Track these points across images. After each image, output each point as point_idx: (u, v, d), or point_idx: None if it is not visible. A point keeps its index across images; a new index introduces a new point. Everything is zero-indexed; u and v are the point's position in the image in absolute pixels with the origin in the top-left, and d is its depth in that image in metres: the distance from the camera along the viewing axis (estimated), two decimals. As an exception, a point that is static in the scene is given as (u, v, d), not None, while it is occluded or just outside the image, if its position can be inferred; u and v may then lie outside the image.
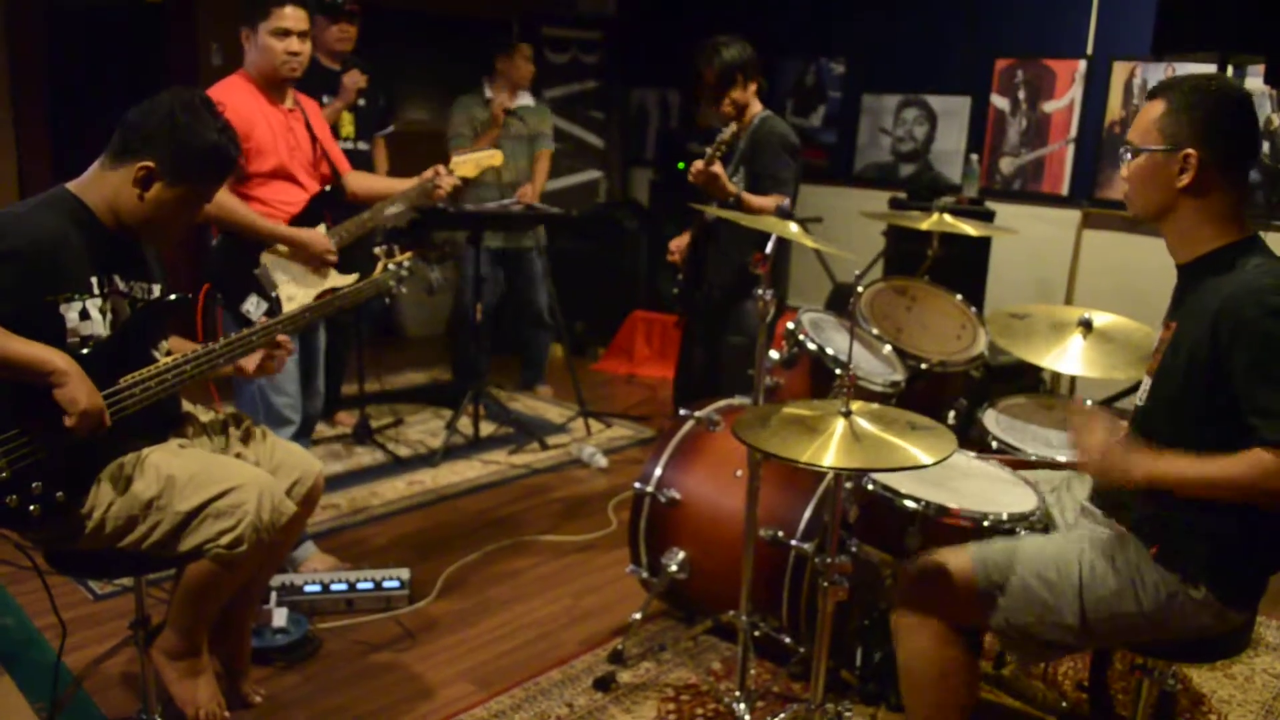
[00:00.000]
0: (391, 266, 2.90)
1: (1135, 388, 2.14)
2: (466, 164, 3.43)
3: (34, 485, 1.96)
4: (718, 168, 3.38)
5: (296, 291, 3.09)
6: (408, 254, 2.92)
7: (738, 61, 3.60)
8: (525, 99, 5.18)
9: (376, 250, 2.95)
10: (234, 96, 2.93)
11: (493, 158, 3.55)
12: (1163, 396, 1.97)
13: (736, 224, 2.83)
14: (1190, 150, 1.88)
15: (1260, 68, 3.89)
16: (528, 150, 5.15)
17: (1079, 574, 1.97)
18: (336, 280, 3.18)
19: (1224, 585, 1.90)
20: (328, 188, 3.25)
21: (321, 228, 3.18)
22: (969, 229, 3.45)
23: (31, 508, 1.96)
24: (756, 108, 3.72)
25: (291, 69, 3.05)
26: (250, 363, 2.44)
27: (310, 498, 2.49)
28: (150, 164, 2.11)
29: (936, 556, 2.09)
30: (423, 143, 5.28)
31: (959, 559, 2.05)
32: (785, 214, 2.65)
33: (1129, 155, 1.97)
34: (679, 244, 3.99)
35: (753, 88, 3.67)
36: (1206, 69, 3.71)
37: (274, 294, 3.05)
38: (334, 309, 2.73)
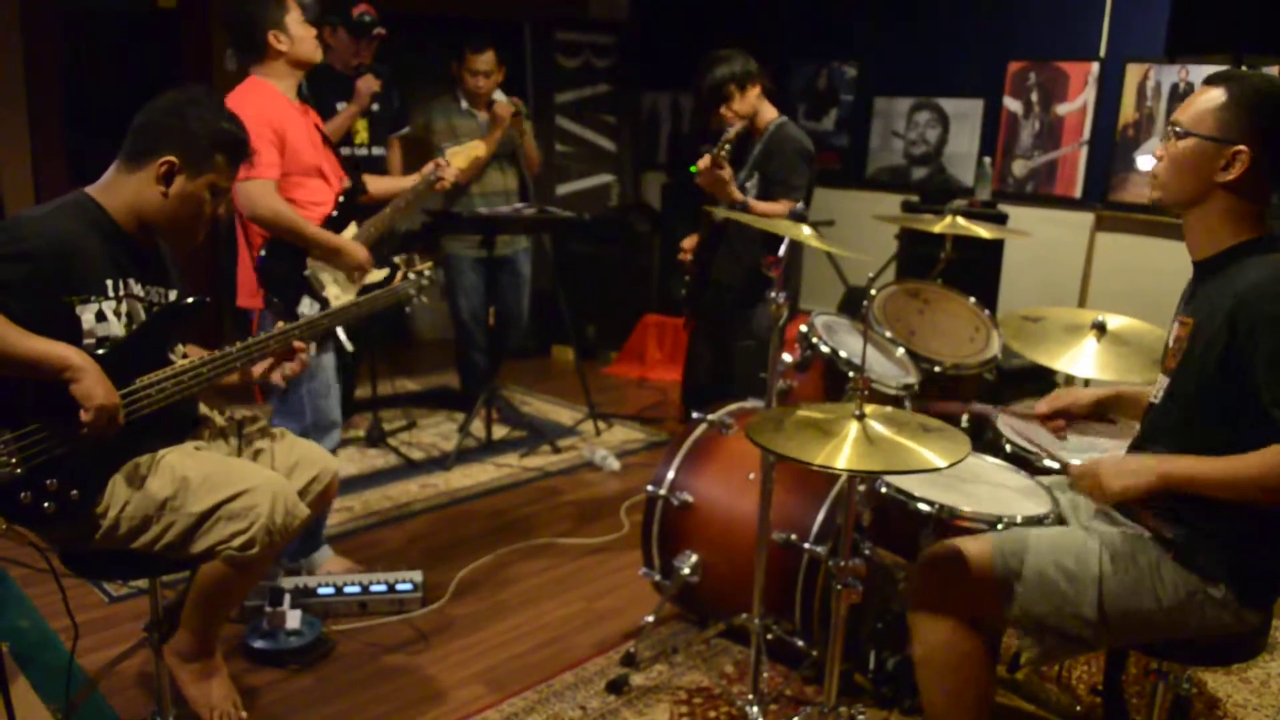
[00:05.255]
0: (412, 275, 2.91)
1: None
2: (460, 154, 3.69)
3: (49, 482, 1.97)
4: (726, 172, 3.32)
5: (340, 292, 3.11)
6: (428, 263, 2.94)
7: (726, 77, 3.52)
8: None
9: (397, 260, 2.96)
10: (262, 98, 2.96)
11: (477, 149, 3.85)
12: (1180, 393, 1.96)
13: (747, 225, 2.81)
14: (1242, 147, 1.86)
15: (1275, 69, 3.88)
16: (511, 160, 4.97)
17: (1099, 565, 1.96)
18: (373, 276, 3.19)
19: (1243, 584, 1.89)
20: (349, 185, 3.24)
21: (352, 226, 3.19)
22: (982, 232, 3.44)
23: (46, 505, 1.97)
24: (770, 114, 3.67)
25: (320, 53, 3.09)
26: (261, 368, 2.42)
27: (326, 495, 2.51)
28: (172, 159, 2.13)
29: (954, 542, 2.09)
30: (434, 145, 5.27)
31: (978, 545, 2.05)
32: (799, 216, 2.65)
33: (1174, 136, 1.95)
34: (690, 243, 3.94)
35: (752, 94, 3.58)
36: (1220, 70, 3.69)
37: (323, 294, 3.07)
38: (351, 317, 2.74)
